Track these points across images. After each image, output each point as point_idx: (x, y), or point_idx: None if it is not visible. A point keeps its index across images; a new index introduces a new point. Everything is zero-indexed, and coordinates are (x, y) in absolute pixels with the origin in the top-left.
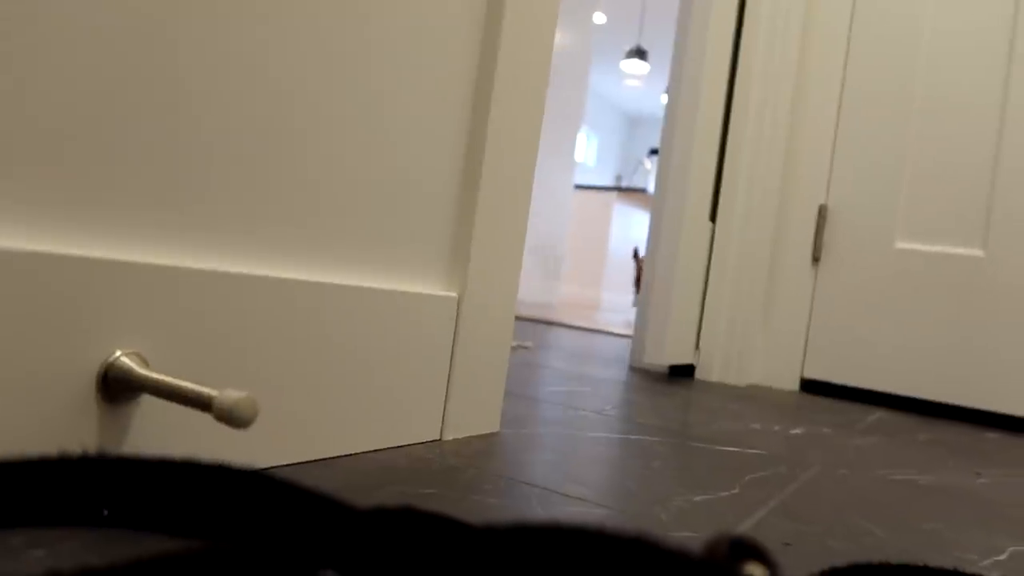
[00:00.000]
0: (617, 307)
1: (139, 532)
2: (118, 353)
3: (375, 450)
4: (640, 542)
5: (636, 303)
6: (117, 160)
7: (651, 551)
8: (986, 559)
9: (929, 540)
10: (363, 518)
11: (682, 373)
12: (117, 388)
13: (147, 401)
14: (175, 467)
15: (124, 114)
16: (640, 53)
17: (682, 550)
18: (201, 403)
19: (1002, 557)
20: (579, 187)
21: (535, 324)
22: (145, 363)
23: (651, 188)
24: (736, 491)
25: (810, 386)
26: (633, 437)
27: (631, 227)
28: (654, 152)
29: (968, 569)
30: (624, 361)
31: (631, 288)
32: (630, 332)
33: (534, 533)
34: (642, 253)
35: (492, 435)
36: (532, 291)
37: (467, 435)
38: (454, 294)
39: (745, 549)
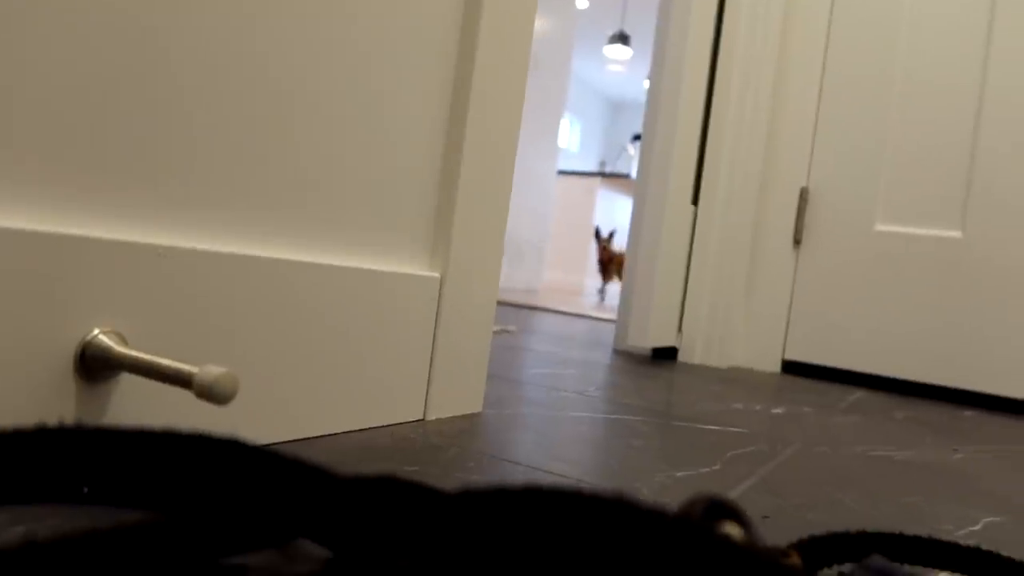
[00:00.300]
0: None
1: (121, 508)
2: (96, 331)
3: (358, 430)
4: (618, 502)
5: (600, 290)
6: (97, 138)
7: (628, 510)
8: (961, 529)
9: (906, 513)
10: (341, 485)
11: (665, 356)
12: (95, 366)
13: (126, 379)
14: (154, 438)
15: (105, 92)
16: (623, 38)
17: (659, 509)
18: (181, 380)
19: (976, 527)
20: (562, 173)
21: (518, 309)
22: (124, 341)
23: (635, 174)
24: (717, 467)
25: (791, 367)
26: (616, 417)
27: (615, 212)
28: (637, 138)
29: (943, 539)
30: (608, 345)
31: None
32: (613, 317)
33: (512, 496)
34: (616, 235)
35: (475, 415)
36: (516, 278)
37: (450, 415)
38: (436, 274)
39: (721, 509)
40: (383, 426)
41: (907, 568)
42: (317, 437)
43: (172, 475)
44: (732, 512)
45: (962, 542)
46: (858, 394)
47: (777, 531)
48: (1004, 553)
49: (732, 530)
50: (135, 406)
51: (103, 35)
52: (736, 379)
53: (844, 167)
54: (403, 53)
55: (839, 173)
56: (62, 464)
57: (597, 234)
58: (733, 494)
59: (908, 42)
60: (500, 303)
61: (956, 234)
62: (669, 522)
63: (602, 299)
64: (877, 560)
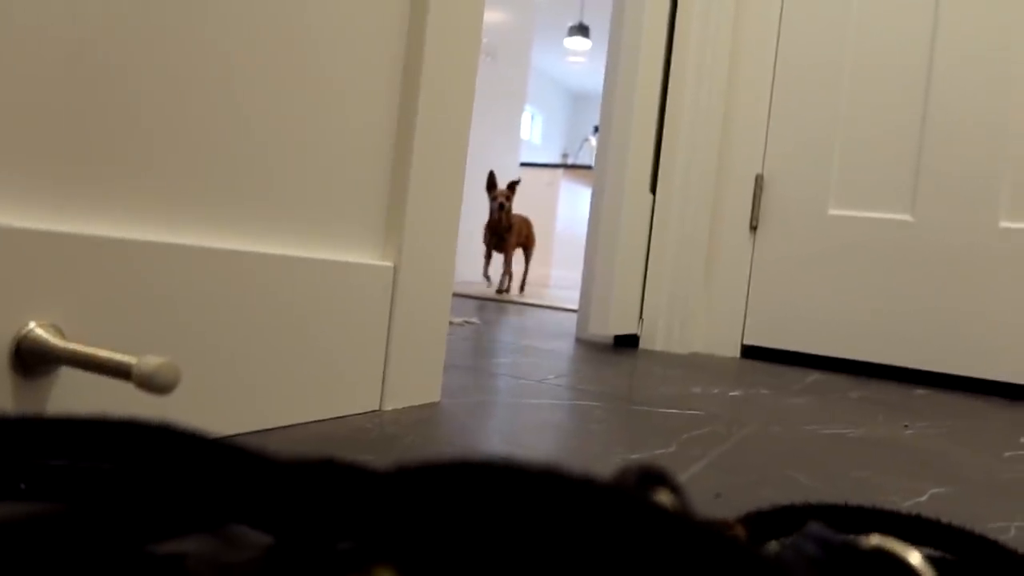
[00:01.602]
0: (566, 284)
1: (47, 500)
2: (32, 324)
3: (313, 421)
4: (547, 472)
5: (486, 272)
6: (33, 127)
7: (559, 481)
8: (908, 500)
9: (856, 486)
10: (279, 469)
11: (627, 343)
12: (32, 360)
13: (65, 373)
14: (81, 424)
15: (42, 79)
16: (583, 29)
17: (591, 478)
18: (121, 371)
19: (923, 499)
20: (525, 165)
21: (482, 301)
22: (61, 334)
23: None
24: (673, 449)
25: (751, 352)
26: (575, 403)
27: (577, 204)
28: (598, 129)
29: (885, 508)
30: (570, 334)
31: (578, 265)
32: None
33: (443, 470)
34: (522, 190)
35: (433, 404)
36: (478, 270)
37: (407, 405)
38: (390, 264)
39: (653, 477)
40: (340, 417)
41: (846, 536)
42: (272, 429)
43: (99, 460)
44: (664, 480)
45: (904, 511)
46: (814, 376)
47: (729, 508)
48: (943, 520)
49: (665, 498)
50: (75, 400)
51: (53, 31)
52: (696, 364)
53: (798, 153)
54: (353, 40)
55: (793, 159)
56: None
57: (490, 183)
58: (687, 474)
59: (857, 30)
60: (462, 296)
61: (907, 217)
62: (600, 489)
63: (489, 283)
64: (815, 527)
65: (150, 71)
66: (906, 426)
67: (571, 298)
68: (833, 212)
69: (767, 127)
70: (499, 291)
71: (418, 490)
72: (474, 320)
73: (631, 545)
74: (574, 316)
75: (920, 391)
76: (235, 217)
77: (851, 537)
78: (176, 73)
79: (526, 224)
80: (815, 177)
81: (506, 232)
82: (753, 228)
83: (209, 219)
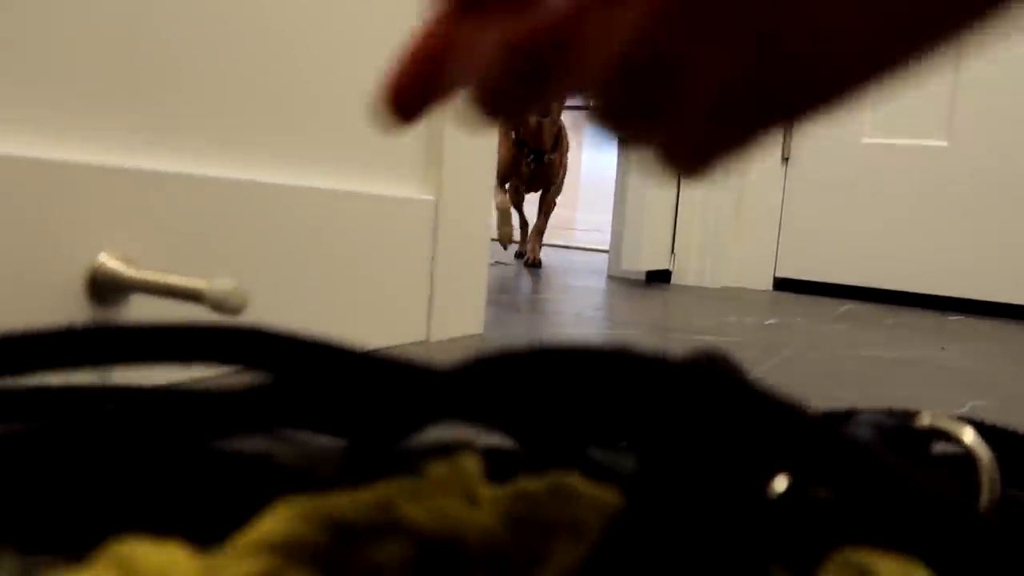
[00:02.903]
0: (593, 226)
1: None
2: (104, 256)
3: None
4: (624, 352)
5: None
6: (95, 67)
7: (635, 359)
8: (949, 412)
9: (897, 401)
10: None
11: (658, 279)
12: (106, 289)
13: (137, 300)
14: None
15: (104, 21)
16: None
17: (665, 356)
18: (191, 295)
19: (964, 410)
20: None
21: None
22: (131, 264)
23: None
24: None
25: (783, 284)
26: (614, 332)
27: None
28: None
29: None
30: (602, 272)
31: (603, 208)
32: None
33: (519, 356)
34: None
35: (477, 336)
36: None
37: (452, 336)
38: (431, 197)
39: (723, 363)
40: (388, 347)
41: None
42: None
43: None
44: (730, 363)
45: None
46: (848, 305)
47: None
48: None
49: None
50: None
51: None
52: (729, 297)
53: None
54: None
55: None
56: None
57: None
58: None
59: None
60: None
61: (942, 143)
62: (677, 368)
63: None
64: (866, 414)
65: (206, 15)
66: (943, 348)
67: (598, 240)
68: (867, 140)
69: None
70: (526, 259)
71: (497, 374)
72: (506, 261)
73: (730, 416)
74: (603, 257)
75: (955, 317)
76: (284, 152)
77: (904, 417)
78: (225, 15)
79: (559, 163)
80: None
81: (546, 159)
82: (785, 159)
83: (262, 155)
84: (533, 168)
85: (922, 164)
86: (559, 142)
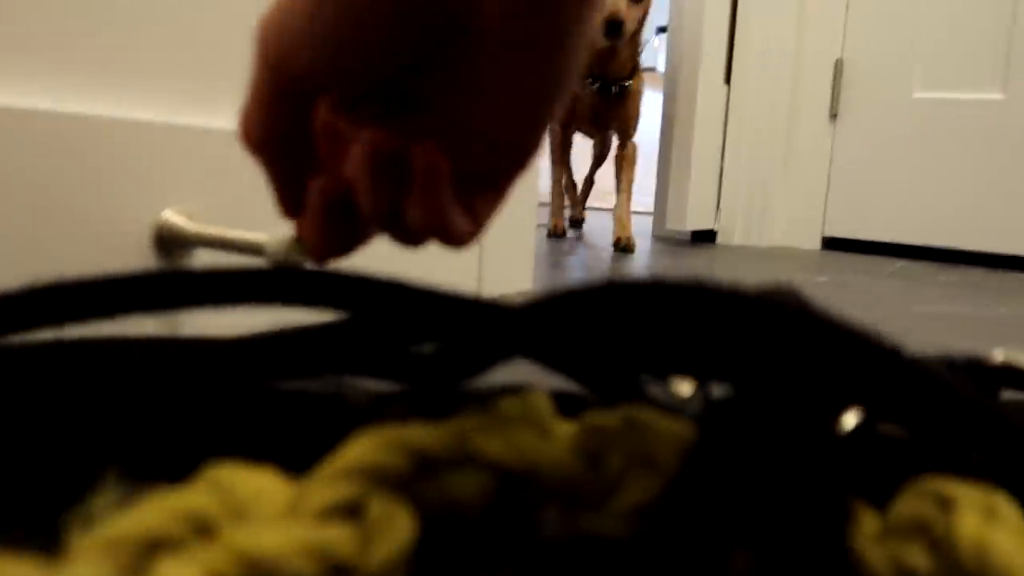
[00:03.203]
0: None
1: None
2: (168, 212)
3: None
4: (697, 285)
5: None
6: (158, 30)
7: (708, 292)
8: None
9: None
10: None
11: (704, 239)
12: (171, 244)
13: (201, 255)
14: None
15: None
16: None
17: (737, 289)
18: (253, 248)
19: None
20: None
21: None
22: (194, 219)
23: (660, 67)
24: None
25: (832, 243)
26: None
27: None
28: (662, 30)
29: None
30: (646, 233)
31: (644, 170)
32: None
33: (592, 291)
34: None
35: (526, 293)
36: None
37: (503, 291)
38: None
39: (790, 294)
40: None
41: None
42: None
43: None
44: (800, 298)
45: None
46: (900, 264)
47: None
48: None
49: None
50: None
51: None
52: (777, 256)
53: (879, 35)
54: None
55: (874, 42)
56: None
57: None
58: None
59: None
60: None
61: (998, 96)
62: (753, 300)
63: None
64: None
65: None
66: (1001, 306)
67: (639, 203)
68: (918, 95)
69: (846, 6)
70: (577, 221)
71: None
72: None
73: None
74: (647, 219)
75: (1012, 275)
76: None
77: (977, 353)
78: None
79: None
80: (898, 59)
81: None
82: (833, 116)
83: None
84: (598, 100)
85: (976, 118)
86: (635, 72)
